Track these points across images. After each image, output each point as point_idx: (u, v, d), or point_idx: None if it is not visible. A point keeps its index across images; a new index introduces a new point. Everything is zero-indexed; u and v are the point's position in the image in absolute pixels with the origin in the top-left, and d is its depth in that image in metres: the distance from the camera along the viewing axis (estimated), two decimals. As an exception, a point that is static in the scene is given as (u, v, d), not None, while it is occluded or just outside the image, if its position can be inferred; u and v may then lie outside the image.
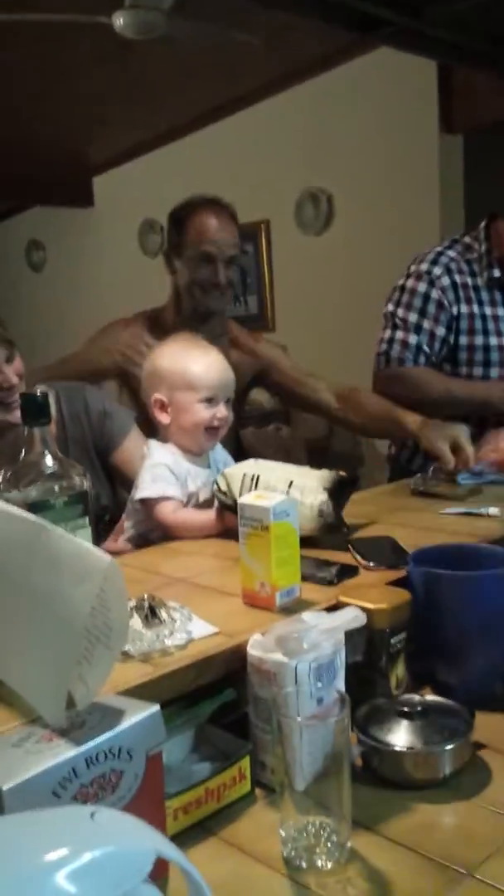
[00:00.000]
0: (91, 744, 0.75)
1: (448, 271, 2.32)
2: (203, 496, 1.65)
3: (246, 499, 1.19)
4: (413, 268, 2.37)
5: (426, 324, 2.30)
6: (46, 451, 1.24)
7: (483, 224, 2.38)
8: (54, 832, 0.54)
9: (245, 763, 0.97)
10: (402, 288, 2.36)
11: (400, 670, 1.14)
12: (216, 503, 1.56)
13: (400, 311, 2.34)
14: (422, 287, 2.32)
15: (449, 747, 0.98)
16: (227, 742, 1.01)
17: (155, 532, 1.64)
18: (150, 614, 1.06)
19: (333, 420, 2.47)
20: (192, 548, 1.54)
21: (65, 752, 0.74)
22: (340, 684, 0.98)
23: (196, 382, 1.65)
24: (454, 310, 2.31)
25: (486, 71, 3.80)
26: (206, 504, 1.63)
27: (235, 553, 1.23)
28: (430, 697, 1.08)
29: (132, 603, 1.07)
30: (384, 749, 0.98)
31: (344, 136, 5.28)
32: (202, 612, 1.12)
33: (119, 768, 0.77)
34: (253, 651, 0.99)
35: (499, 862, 0.83)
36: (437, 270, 2.32)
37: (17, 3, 3.60)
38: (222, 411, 1.67)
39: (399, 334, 2.33)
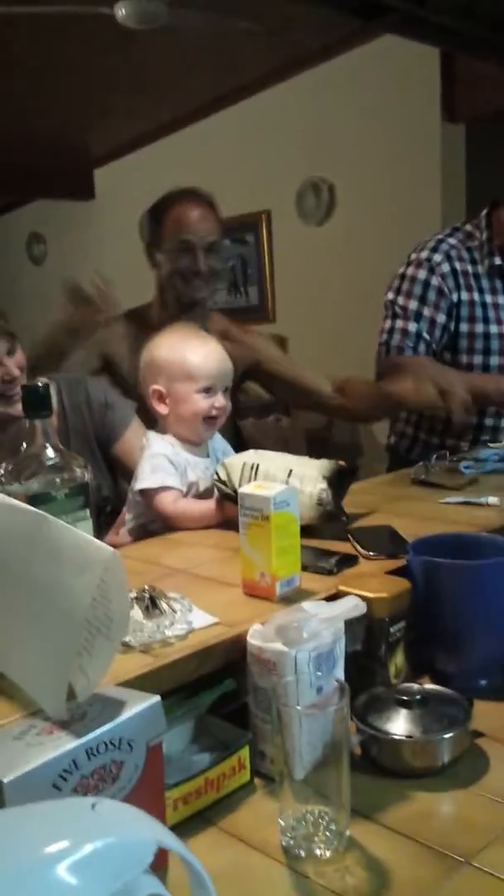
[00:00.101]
0: (92, 735, 0.75)
1: (448, 258, 2.32)
2: (203, 486, 1.65)
3: (246, 488, 1.20)
4: (413, 256, 2.37)
5: (426, 311, 2.30)
6: (48, 444, 1.24)
7: (484, 212, 2.38)
8: (55, 824, 0.54)
9: (245, 753, 0.97)
10: (403, 276, 2.36)
11: (399, 659, 1.15)
12: (216, 493, 1.57)
13: (400, 300, 2.34)
14: (422, 274, 2.31)
15: (447, 736, 0.98)
16: (226, 732, 1.01)
17: (155, 523, 1.65)
18: (151, 605, 1.07)
19: (330, 410, 2.47)
20: (193, 538, 1.55)
21: (65, 744, 0.74)
22: (340, 673, 0.98)
23: (194, 372, 1.65)
24: (454, 297, 2.31)
25: (489, 59, 3.78)
26: (207, 494, 1.64)
27: (235, 543, 1.23)
28: (429, 686, 1.09)
29: (133, 594, 1.07)
30: (383, 738, 0.99)
31: (345, 125, 5.26)
32: (202, 602, 1.13)
33: (120, 759, 0.78)
34: (253, 641, 0.99)
35: (497, 850, 0.83)
36: (438, 257, 2.32)
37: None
38: (220, 401, 1.67)
39: (399, 323, 2.33)
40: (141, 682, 0.92)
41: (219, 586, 1.25)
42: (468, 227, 2.40)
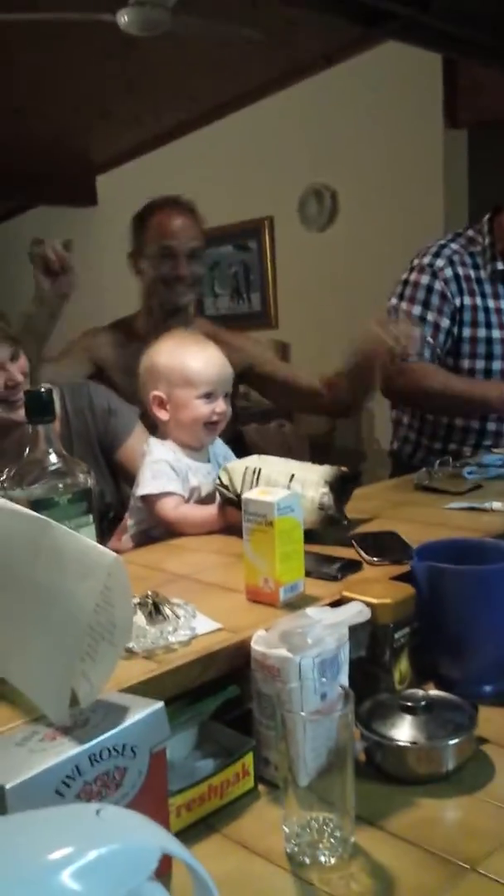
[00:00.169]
0: (95, 741, 0.75)
1: (451, 263, 2.32)
2: (205, 491, 1.65)
3: (250, 494, 1.19)
4: (416, 261, 2.38)
5: (430, 316, 2.30)
6: (50, 449, 1.24)
7: (487, 217, 2.38)
8: (59, 830, 0.54)
9: (248, 759, 0.97)
10: (406, 282, 2.37)
11: (404, 665, 1.14)
12: (218, 498, 1.57)
13: (404, 305, 2.34)
14: (425, 279, 2.32)
15: (452, 742, 0.98)
16: (230, 738, 1.01)
17: (157, 528, 1.65)
18: (154, 611, 1.06)
19: (322, 408, 2.45)
20: (196, 544, 1.54)
21: (68, 750, 0.74)
22: (344, 679, 0.98)
23: (195, 378, 1.65)
24: (457, 301, 2.31)
25: (492, 65, 3.79)
26: (208, 499, 1.64)
27: (239, 549, 1.23)
28: (434, 692, 1.08)
29: (136, 599, 1.07)
30: (387, 744, 0.99)
31: (347, 131, 5.27)
32: (206, 608, 1.12)
33: (123, 765, 0.77)
34: (257, 647, 0.99)
35: (502, 857, 0.83)
36: (440, 262, 2.32)
37: (22, 1, 3.61)
38: (221, 406, 1.68)
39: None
40: (144, 688, 0.92)
41: (222, 592, 1.25)
42: (470, 233, 2.41)
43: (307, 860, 0.84)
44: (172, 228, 2.21)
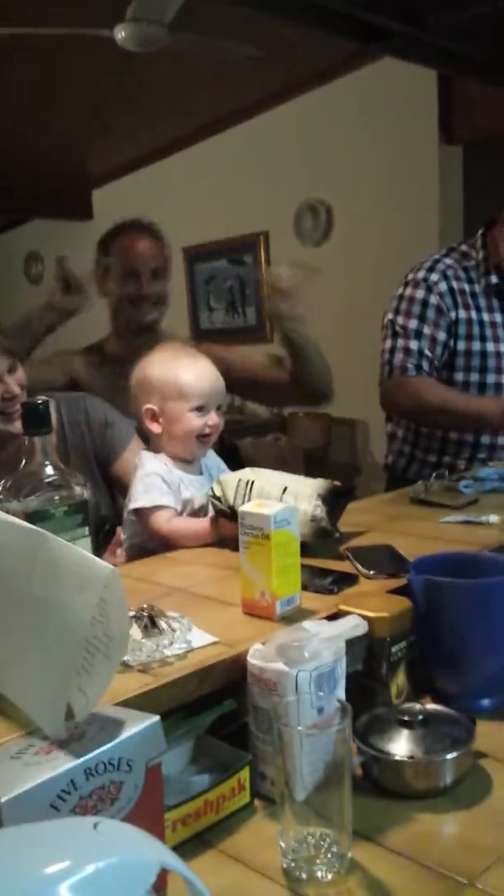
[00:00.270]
0: (90, 755, 0.74)
1: (445, 277, 2.33)
2: (198, 503, 1.65)
3: (246, 507, 1.19)
4: (410, 276, 2.39)
5: (426, 329, 2.31)
6: (47, 461, 1.24)
7: (480, 232, 2.40)
8: (57, 843, 0.53)
9: (245, 774, 0.96)
10: (401, 296, 2.37)
11: (401, 679, 1.14)
12: (211, 510, 1.56)
13: (400, 319, 2.35)
14: (420, 294, 2.33)
15: (450, 756, 0.97)
16: (226, 753, 1.00)
17: (152, 542, 1.64)
18: (150, 624, 1.06)
19: (295, 380, 2.43)
20: (191, 557, 1.54)
21: (64, 764, 0.73)
22: (341, 693, 0.98)
23: (188, 391, 1.65)
24: (453, 315, 2.32)
25: (489, 82, 3.81)
26: (202, 511, 1.64)
27: (235, 562, 1.23)
28: (431, 706, 1.08)
29: (131, 613, 1.06)
30: (385, 758, 0.98)
31: (343, 147, 5.30)
32: (202, 621, 1.12)
33: (118, 780, 0.76)
34: (253, 660, 0.99)
35: (500, 871, 0.82)
36: (435, 277, 2.33)
37: (19, 17, 3.62)
38: (214, 419, 1.67)
39: (400, 342, 2.34)
40: (140, 702, 0.92)
41: (218, 605, 1.25)
42: (464, 247, 2.42)
43: (304, 875, 0.83)
44: (136, 250, 2.31)
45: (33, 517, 1.15)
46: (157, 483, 1.62)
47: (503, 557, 1.28)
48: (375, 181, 5.15)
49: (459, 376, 2.35)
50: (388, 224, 5.07)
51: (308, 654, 0.94)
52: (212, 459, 1.79)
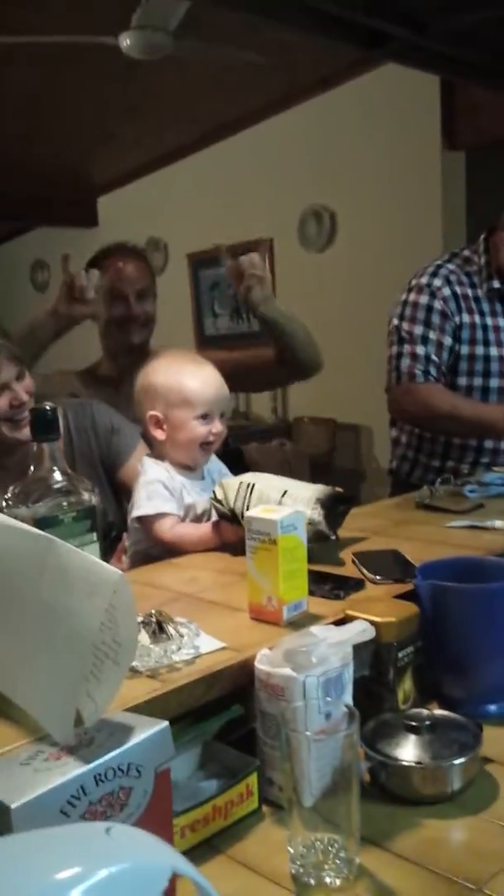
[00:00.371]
0: (100, 761, 0.74)
1: (448, 282, 2.34)
2: (200, 508, 1.65)
3: (253, 512, 1.20)
4: (413, 281, 2.39)
5: (432, 334, 2.32)
6: (55, 467, 1.24)
7: (482, 237, 2.40)
8: (69, 849, 0.53)
9: (252, 780, 0.96)
10: (405, 302, 2.38)
11: (407, 684, 1.14)
12: (213, 516, 1.57)
13: (405, 325, 2.35)
14: (423, 299, 2.33)
15: (457, 762, 0.97)
16: (234, 759, 1.00)
17: (156, 548, 1.64)
18: (158, 630, 1.06)
19: (281, 354, 2.43)
20: (198, 563, 1.54)
21: (73, 770, 0.73)
22: (348, 698, 0.98)
23: (192, 399, 1.65)
24: (457, 319, 2.33)
25: (490, 86, 3.82)
26: (205, 515, 1.64)
27: (241, 568, 1.23)
28: (438, 711, 1.08)
29: (139, 618, 1.06)
30: (392, 764, 0.98)
31: (347, 153, 5.31)
32: (209, 627, 1.12)
33: (128, 785, 0.77)
34: (261, 666, 0.99)
35: (509, 877, 0.82)
36: (438, 282, 2.34)
37: (24, 26, 3.64)
38: (217, 426, 1.68)
39: (406, 348, 2.34)
40: (148, 708, 0.92)
41: (225, 611, 1.25)
42: (466, 253, 2.43)
43: (312, 881, 0.83)
44: (122, 272, 2.34)
45: (42, 523, 1.15)
46: (159, 490, 1.62)
47: (509, 562, 1.28)
48: (379, 187, 5.15)
49: (463, 380, 2.35)
50: (391, 229, 5.07)
51: (315, 660, 0.94)
52: (214, 464, 1.79)
